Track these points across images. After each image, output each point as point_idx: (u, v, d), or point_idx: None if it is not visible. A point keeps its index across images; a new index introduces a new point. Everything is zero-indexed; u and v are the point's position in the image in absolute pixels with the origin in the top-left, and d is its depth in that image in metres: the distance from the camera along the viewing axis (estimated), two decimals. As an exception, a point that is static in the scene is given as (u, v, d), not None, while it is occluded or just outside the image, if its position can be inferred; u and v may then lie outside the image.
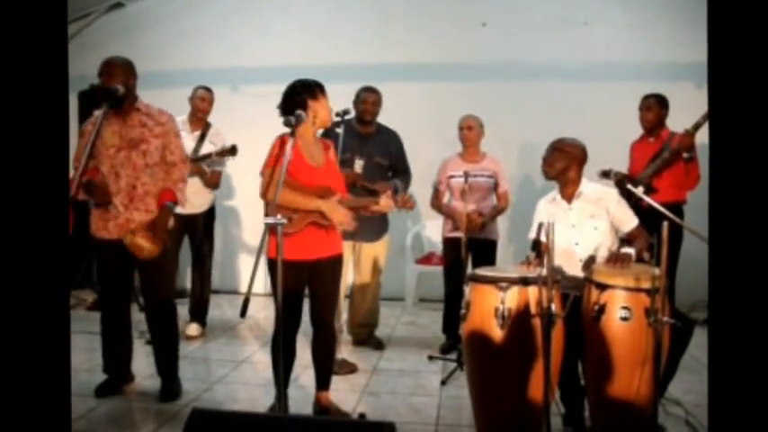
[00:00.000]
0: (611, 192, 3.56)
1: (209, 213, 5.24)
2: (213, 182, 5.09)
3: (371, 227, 4.49)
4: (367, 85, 4.77)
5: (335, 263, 3.49)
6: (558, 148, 3.55)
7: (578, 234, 3.51)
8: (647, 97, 4.91)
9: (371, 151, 4.59)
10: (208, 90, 5.12)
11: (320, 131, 3.72)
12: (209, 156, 4.89)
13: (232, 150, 4.87)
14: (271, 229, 2.78)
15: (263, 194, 3.26)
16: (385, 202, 3.36)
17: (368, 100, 4.67)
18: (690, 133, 4.50)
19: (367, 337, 4.99)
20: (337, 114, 4.12)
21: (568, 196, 3.57)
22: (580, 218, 3.52)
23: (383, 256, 4.91)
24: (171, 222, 3.79)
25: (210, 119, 5.18)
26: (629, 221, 3.51)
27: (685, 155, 4.58)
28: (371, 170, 4.52)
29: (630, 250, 3.39)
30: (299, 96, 3.35)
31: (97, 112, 3.49)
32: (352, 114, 4.52)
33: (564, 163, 3.52)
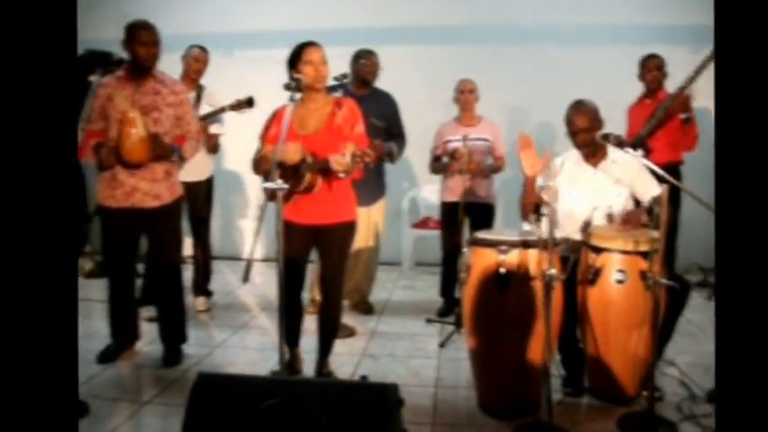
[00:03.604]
0: (633, 160, 3.32)
1: (210, 182, 4.98)
2: (211, 145, 4.80)
3: (367, 190, 4.43)
4: (366, 48, 4.77)
5: (345, 229, 3.49)
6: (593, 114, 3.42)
7: (601, 199, 3.46)
8: (653, 57, 4.80)
9: (367, 113, 4.53)
10: (203, 50, 4.80)
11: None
12: (221, 110, 4.53)
13: (249, 102, 4.45)
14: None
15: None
16: (336, 162, 3.11)
17: (370, 61, 4.71)
18: (681, 88, 4.37)
19: (359, 302, 5.02)
20: (335, 78, 4.09)
21: (595, 161, 3.51)
22: (605, 183, 3.47)
23: (380, 220, 4.91)
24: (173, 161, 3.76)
25: (204, 83, 4.90)
26: (650, 190, 3.35)
27: (682, 115, 4.47)
28: (368, 131, 4.47)
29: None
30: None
31: (106, 79, 3.44)
32: (350, 78, 4.52)
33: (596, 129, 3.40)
